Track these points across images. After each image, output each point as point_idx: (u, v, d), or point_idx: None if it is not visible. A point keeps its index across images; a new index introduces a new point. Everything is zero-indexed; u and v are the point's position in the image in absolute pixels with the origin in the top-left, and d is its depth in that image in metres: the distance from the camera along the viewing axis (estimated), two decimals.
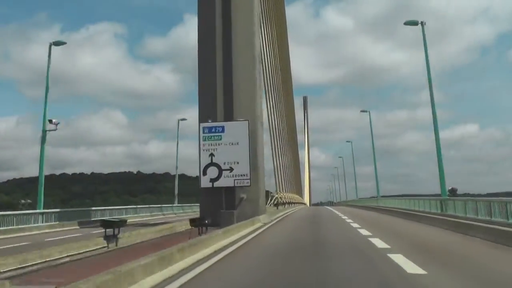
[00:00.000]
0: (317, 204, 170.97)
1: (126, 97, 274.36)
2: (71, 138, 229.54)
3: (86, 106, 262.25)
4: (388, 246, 9.41)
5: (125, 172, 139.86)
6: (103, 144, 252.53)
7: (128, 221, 14.09)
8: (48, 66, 23.39)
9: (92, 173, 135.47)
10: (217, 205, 19.79)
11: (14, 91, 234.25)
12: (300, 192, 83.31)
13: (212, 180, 20.13)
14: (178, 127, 42.08)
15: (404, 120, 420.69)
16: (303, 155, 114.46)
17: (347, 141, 68.95)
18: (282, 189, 46.65)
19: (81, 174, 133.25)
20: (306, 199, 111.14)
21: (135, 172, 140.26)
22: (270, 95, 39.65)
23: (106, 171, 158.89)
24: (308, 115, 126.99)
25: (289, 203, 48.34)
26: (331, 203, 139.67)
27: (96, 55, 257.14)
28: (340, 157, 79.60)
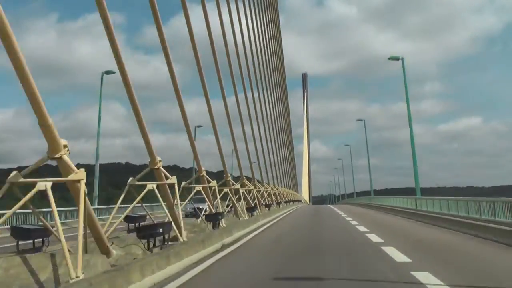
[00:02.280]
0: (318, 199, 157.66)
1: (123, 87, 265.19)
2: (70, 130, 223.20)
3: (84, 97, 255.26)
4: None
5: (113, 163, 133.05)
6: (103, 136, 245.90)
7: None
8: None
9: (78, 164, 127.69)
10: None
11: (11, 82, 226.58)
12: (296, 187, 77.72)
13: None
14: (101, 83, 29.87)
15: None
16: (302, 146, 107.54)
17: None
18: (275, 183, 40.50)
19: None
20: (305, 195, 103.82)
21: (124, 163, 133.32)
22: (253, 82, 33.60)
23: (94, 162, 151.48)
24: (309, 97, 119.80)
25: (277, 203, 39.53)
26: (334, 199, 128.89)
27: (93, 45, 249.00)
28: (347, 145, 76.19)
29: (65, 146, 6.31)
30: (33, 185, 6.32)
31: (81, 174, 6.51)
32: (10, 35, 5.13)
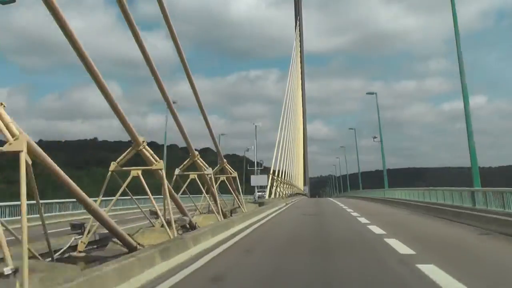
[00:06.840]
0: (316, 180, 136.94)
1: (120, 66, 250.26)
2: (66, 111, 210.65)
3: (79, 76, 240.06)
4: None
5: (84, 140, 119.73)
6: (101, 117, 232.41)
7: None
8: None
9: (40, 140, 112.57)
10: None
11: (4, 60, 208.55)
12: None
13: None
14: None
15: (411, 91, 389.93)
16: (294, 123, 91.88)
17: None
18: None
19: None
20: (300, 182, 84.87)
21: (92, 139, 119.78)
22: None
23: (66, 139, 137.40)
24: (306, 76, 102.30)
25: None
26: (334, 182, 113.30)
27: (85, 20, 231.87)
28: (351, 129, 71.24)
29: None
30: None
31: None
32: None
